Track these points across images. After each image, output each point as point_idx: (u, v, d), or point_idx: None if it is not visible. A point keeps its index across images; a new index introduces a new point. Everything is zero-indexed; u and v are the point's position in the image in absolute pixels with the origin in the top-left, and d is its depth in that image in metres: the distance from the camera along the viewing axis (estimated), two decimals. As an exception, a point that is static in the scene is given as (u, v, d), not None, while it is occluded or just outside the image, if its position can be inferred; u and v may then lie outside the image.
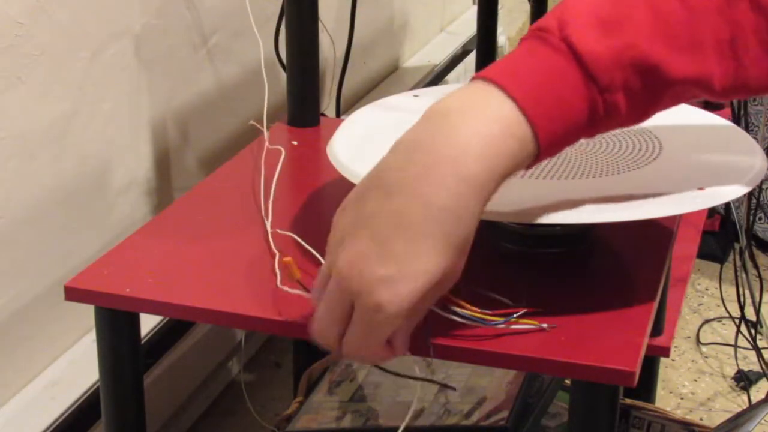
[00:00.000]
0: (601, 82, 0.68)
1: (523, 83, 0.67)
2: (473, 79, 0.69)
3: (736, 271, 1.65)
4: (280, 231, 0.91)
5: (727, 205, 1.76)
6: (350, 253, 0.67)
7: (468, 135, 0.66)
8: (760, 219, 2.09)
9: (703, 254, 2.04)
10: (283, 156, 1.07)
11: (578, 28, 0.68)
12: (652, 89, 0.70)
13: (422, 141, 0.67)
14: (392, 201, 0.66)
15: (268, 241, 0.91)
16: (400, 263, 0.65)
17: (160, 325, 1.37)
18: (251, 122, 1.15)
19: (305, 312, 0.79)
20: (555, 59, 0.68)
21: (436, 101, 0.69)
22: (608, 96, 0.69)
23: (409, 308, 0.66)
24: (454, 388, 0.96)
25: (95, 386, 1.23)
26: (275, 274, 0.84)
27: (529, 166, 0.70)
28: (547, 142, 0.68)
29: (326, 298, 0.68)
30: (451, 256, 0.66)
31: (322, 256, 0.81)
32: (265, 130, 1.11)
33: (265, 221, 0.94)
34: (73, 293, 0.85)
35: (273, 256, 0.88)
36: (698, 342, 1.84)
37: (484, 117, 0.67)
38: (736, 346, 1.76)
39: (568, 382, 1.04)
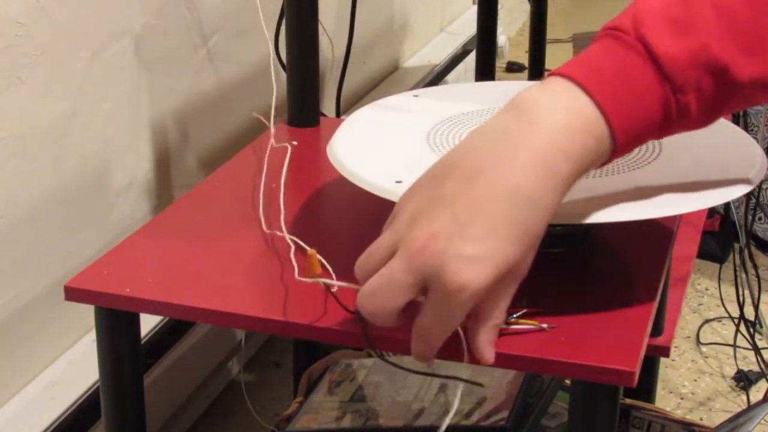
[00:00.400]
0: (675, 82, 0.69)
1: (601, 82, 0.69)
2: (550, 75, 0.71)
3: (735, 271, 1.65)
4: (279, 233, 0.91)
5: (727, 205, 1.76)
6: (428, 231, 0.66)
7: (553, 129, 0.67)
8: (759, 219, 2.09)
9: (703, 254, 2.04)
10: (289, 153, 1.07)
11: (653, 28, 0.69)
12: (721, 91, 0.71)
13: (508, 131, 0.68)
14: (476, 184, 0.66)
15: (267, 241, 0.91)
16: (481, 244, 0.65)
17: (160, 325, 1.37)
18: (255, 115, 1.14)
19: (305, 312, 0.79)
20: (631, 59, 0.69)
21: (516, 94, 0.70)
22: (681, 96, 0.70)
23: (484, 291, 0.66)
24: (481, 385, 0.96)
25: (95, 386, 1.23)
26: (283, 272, 0.84)
27: (601, 165, 0.71)
28: (622, 141, 0.70)
29: (388, 273, 0.67)
30: (525, 246, 0.67)
31: (324, 256, 0.82)
32: (272, 127, 1.11)
33: (262, 221, 0.94)
34: (73, 293, 0.85)
35: (274, 253, 0.88)
36: (698, 342, 1.84)
37: (567, 113, 0.68)
38: (735, 346, 1.76)
39: (568, 382, 1.04)
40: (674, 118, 0.71)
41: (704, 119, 0.73)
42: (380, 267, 0.68)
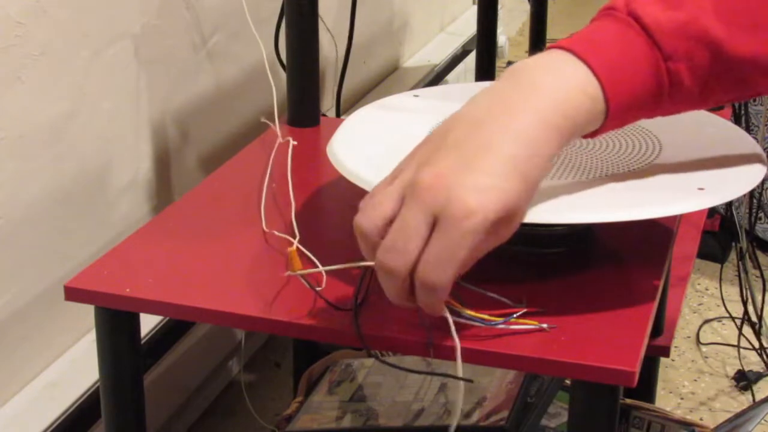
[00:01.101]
0: (664, 49, 0.72)
1: (594, 50, 0.72)
2: (547, 49, 0.75)
3: (739, 271, 1.65)
4: (277, 233, 0.91)
5: (728, 205, 1.76)
6: (436, 168, 0.68)
7: (551, 89, 0.71)
8: (759, 219, 2.09)
9: (703, 254, 2.04)
10: (290, 153, 1.07)
11: (643, 3, 0.73)
12: (715, 66, 0.74)
13: (507, 93, 0.72)
14: (481, 130, 0.69)
15: (267, 241, 0.91)
16: (488, 177, 0.67)
17: (160, 325, 1.37)
18: (262, 119, 1.14)
19: (305, 312, 0.79)
20: (623, 31, 0.73)
21: (513, 65, 0.74)
22: (671, 64, 0.73)
23: (491, 223, 0.67)
24: (471, 380, 0.96)
25: (95, 386, 1.23)
26: (278, 271, 0.84)
27: (595, 134, 0.74)
28: (615, 104, 0.72)
29: (399, 222, 0.68)
30: (526, 190, 0.69)
31: (321, 258, 0.82)
32: (277, 128, 1.11)
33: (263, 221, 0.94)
34: (73, 293, 0.85)
35: (274, 253, 0.88)
36: (698, 342, 1.84)
37: (563, 76, 0.72)
38: (739, 347, 1.76)
39: (568, 382, 1.04)
40: (666, 87, 0.73)
41: (699, 95, 0.75)
42: (389, 213, 0.69)
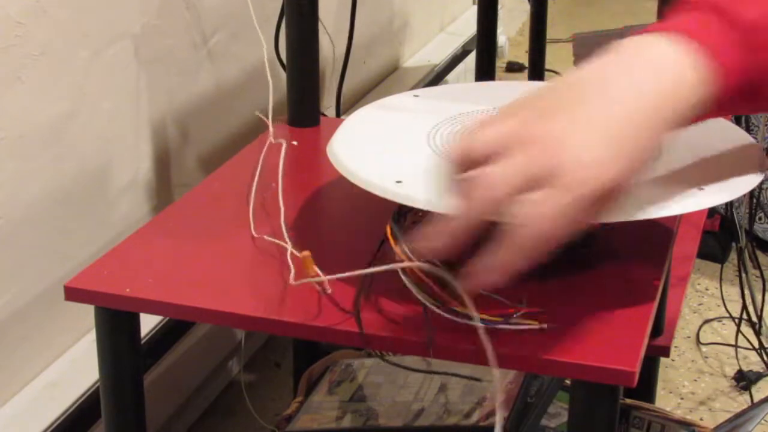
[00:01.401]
0: (752, 42, 0.73)
1: (695, 36, 0.72)
2: (634, 34, 0.74)
3: (740, 271, 1.65)
4: (266, 237, 0.91)
5: (728, 205, 1.76)
6: (553, 128, 0.68)
7: (671, 73, 0.71)
8: (759, 219, 2.09)
9: (703, 254, 2.04)
10: (283, 152, 1.07)
11: (725, 1, 0.73)
12: None
13: (614, 74, 0.71)
14: (590, 105, 0.69)
15: (267, 242, 0.91)
16: (606, 150, 0.67)
17: (160, 325, 1.37)
18: (257, 113, 1.14)
19: (305, 312, 0.79)
20: (710, 19, 0.73)
21: (617, 43, 0.73)
22: (762, 54, 0.73)
23: (600, 195, 0.67)
24: (479, 380, 0.96)
25: (95, 386, 1.23)
26: (282, 272, 0.84)
27: (702, 116, 0.75)
28: (725, 91, 0.72)
29: (513, 161, 0.67)
30: (631, 166, 0.68)
31: (318, 259, 0.82)
32: (270, 126, 1.11)
33: (251, 223, 0.94)
34: (73, 293, 0.85)
35: (274, 253, 0.88)
36: (698, 342, 1.84)
37: (674, 53, 0.71)
38: (737, 346, 1.76)
39: (568, 382, 1.04)
40: (758, 80, 0.73)
41: None
42: (500, 143, 0.68)
